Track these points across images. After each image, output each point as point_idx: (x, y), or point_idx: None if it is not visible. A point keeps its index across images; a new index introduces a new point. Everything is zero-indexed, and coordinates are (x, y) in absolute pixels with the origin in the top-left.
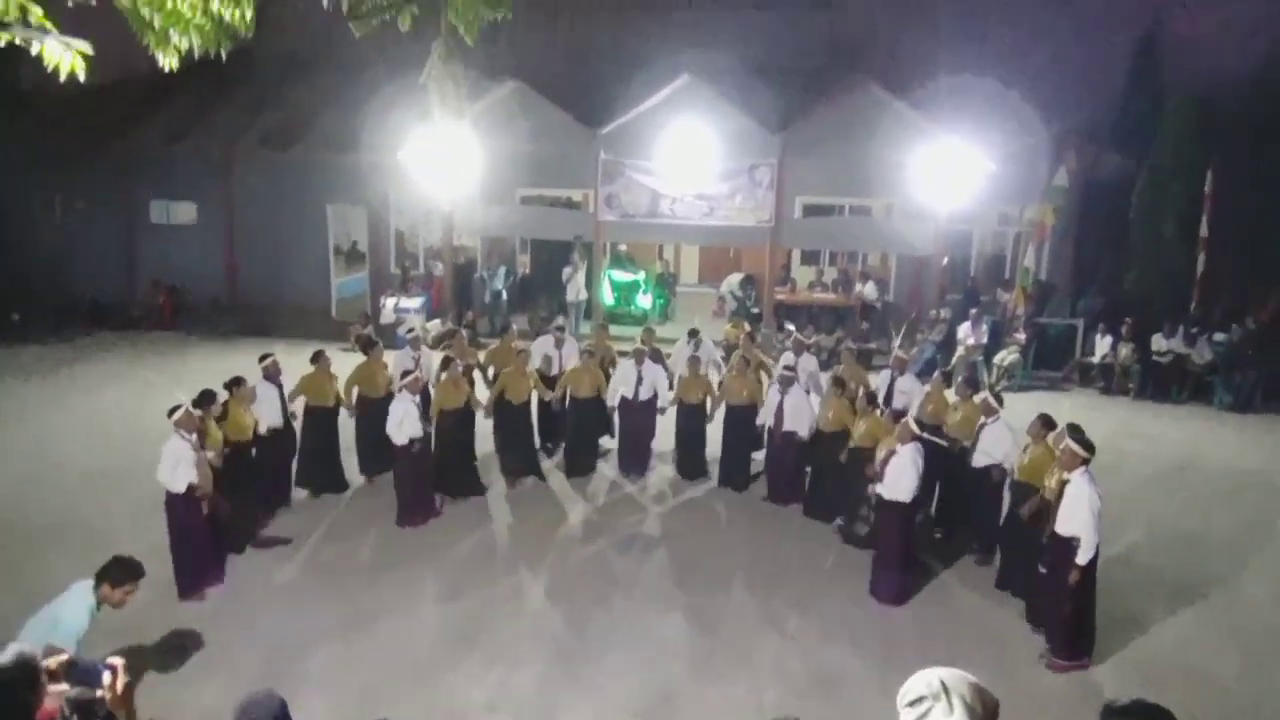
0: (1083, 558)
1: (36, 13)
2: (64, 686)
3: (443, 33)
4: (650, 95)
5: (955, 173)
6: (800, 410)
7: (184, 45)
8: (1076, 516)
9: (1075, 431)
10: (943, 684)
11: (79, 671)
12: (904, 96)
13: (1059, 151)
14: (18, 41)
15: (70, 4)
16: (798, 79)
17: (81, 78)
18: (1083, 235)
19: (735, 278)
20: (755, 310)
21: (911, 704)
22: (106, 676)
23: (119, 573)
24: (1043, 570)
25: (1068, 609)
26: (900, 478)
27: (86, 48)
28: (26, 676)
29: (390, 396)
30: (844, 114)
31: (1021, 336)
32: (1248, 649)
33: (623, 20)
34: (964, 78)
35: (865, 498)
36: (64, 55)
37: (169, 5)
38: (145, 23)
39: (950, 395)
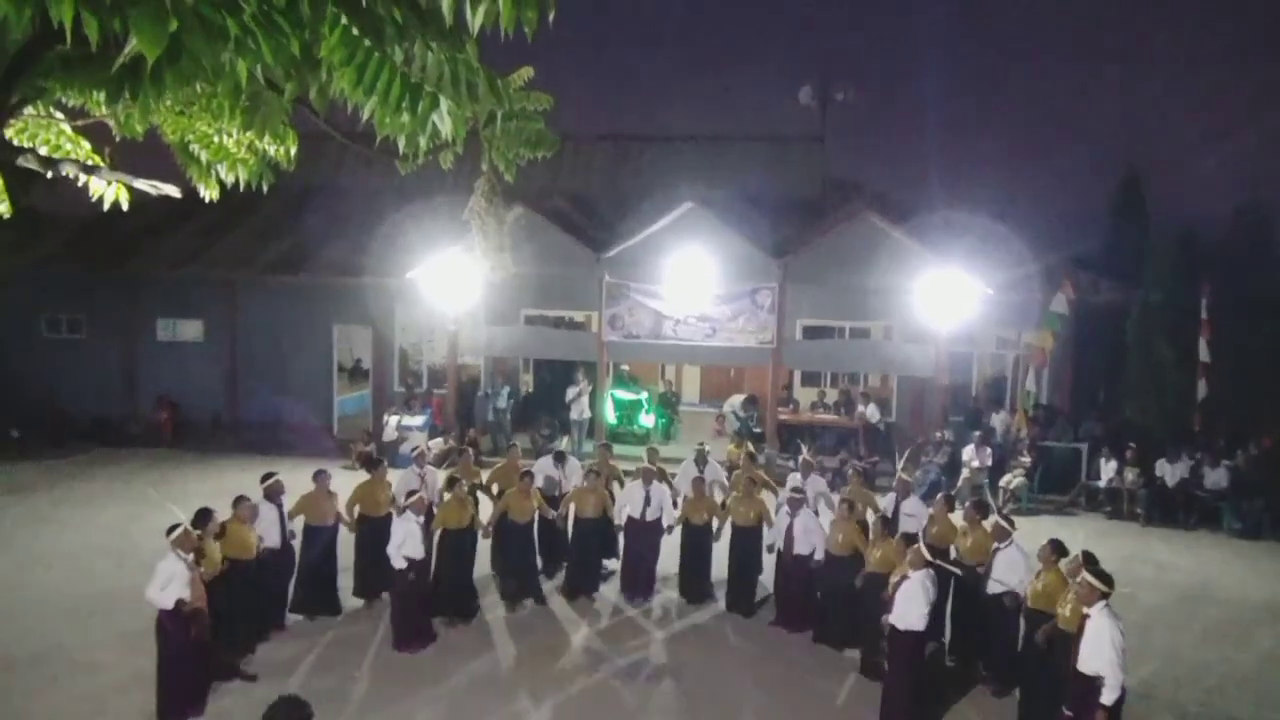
0: (1108, 697)
1: (85, 147)
2: None
3: (485, 172)
4: (653, 221)
5: (953, 297)
6: (811, 532)
7: (229, 179)
8: (1100, 654)
9: (1091, 563)
10: None
11: None
12: (899, 226)
13: (1053, 279)
14: (70, 176)
15: (117, 139)
16: (795, 208)
17: (125, 207)
18: (1081, 360)
19: (738, 398)
20: (758, 430)
21: None
22: None
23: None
24: (1068, 713)
25: None
26: (911, 605)
27: (175, 192)
28: None
29: (390, 515)
30: (842, 240)
31: (1027, 460)
32: None
33: (625, 150)
34: (956, 212)
35: (882, 627)
36: (108, 189)
37: (216, 143)
38: (192, 157)
39: (956, 519)
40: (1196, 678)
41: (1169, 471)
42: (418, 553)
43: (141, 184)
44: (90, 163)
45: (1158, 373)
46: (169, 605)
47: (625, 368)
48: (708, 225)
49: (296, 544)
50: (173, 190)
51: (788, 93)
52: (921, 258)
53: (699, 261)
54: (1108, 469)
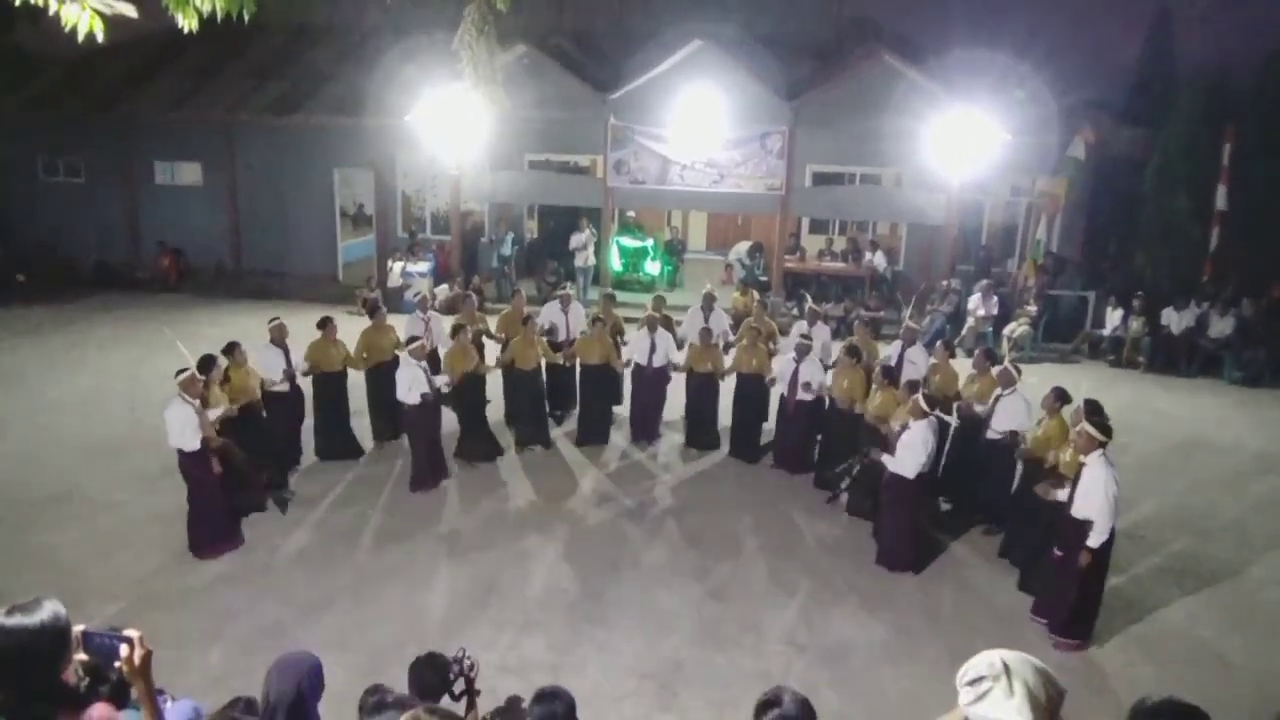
0: (1095, 541)
1: None
2: (81, 656)
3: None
4: (661, 61)
5: (968, 142)
6: (816, 376)
7: (205, 7)
8: (1092, 500)
9: (1094, 413)
10: (1005, 665)
11: (94, 642)
12: (916, 66)
13: (1073, 124)
14: (42, 4)
15: None
16: (808, 49)
17: (100, 38)
18: (1095, 208)
19: (744, 245)
20: (764, 278)
21: (971, 683)
22: (124, 649)
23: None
24: (1058, 553)
25: (1075, 592)
26: (909, 454)
27: (131, 10)
28: (57, 639)
29: (398, 359)
30: (856, 83)
31: (1033, 309)
32: (1253, 628)
33: None
34: (976, 51)
35: (868, 468)
36: (82, 16)
37: None
38: None
39: (957, 366)
40: (1185, 522)
41: (1174, 320)
42: (428, 394)
43: (94, 2)
44: None
45: (1172, 223)
46: (194, 447)
47: (631, 214)
48: (717, 65)
49: (306, 387)
50: (128, 9)
51: None
52: (938, 100)
53: (707, 103)
54: (1113, 318)
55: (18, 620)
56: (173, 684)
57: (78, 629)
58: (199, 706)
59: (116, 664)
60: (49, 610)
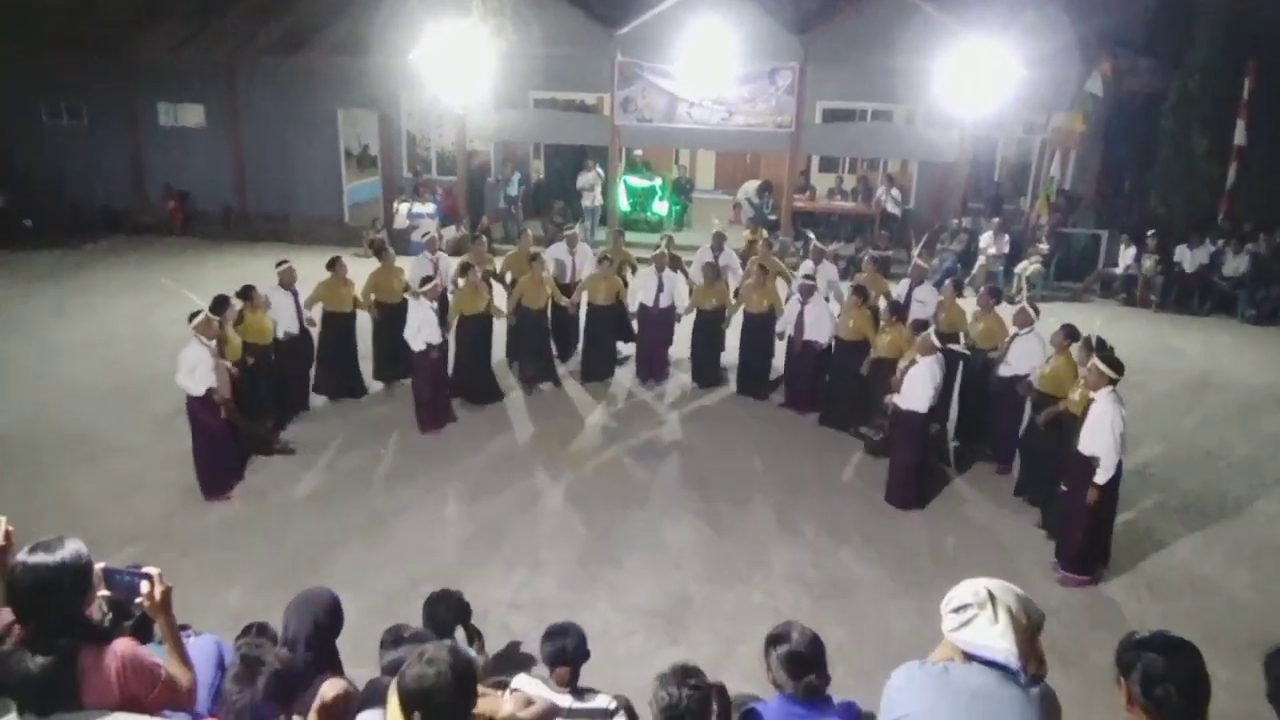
0: (1101, 477)
1: None
2: (104, 593)
3: None
4: None
5: (982, 77)
6: (821, 319)
7: None
8: (1099, 437)
9: (1104, 349)
10: (990, 593)
11: (116, 579)
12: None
13: (1090, 57)
14: None
15: None
16: None
17: None
18: (1110, 146)
19: (752, 184)
20: (772, 217)
21: (956, 610)
22: (144, 585)
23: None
24: (1064, 488)
25: (1083, 527)
26: (917, 389)
27: None
28: (80, 576)
29: (405, 301)
30: (868, 16)
31: (1045, 247)
32: (1259, 563)
33: None
34: None
35: (883, 408)
36: None
37: None
38: None
39: (966, 305)
40: (1194, 459)
41: (1188, 258)
42: (435, 336)
43: None
44: None
45: (1189, 159)
46: (200, 391)
47: (639, 153)
48: None
49: (315, 330)
50: None
51: None
52: (951, 34)
53: (716, 39)
54: (1126, 256)
55: (40, 557)
56: (192, 622)
57: (99, 566)
58: (220, 641)
59: (138, 600)
60: (71, 548)
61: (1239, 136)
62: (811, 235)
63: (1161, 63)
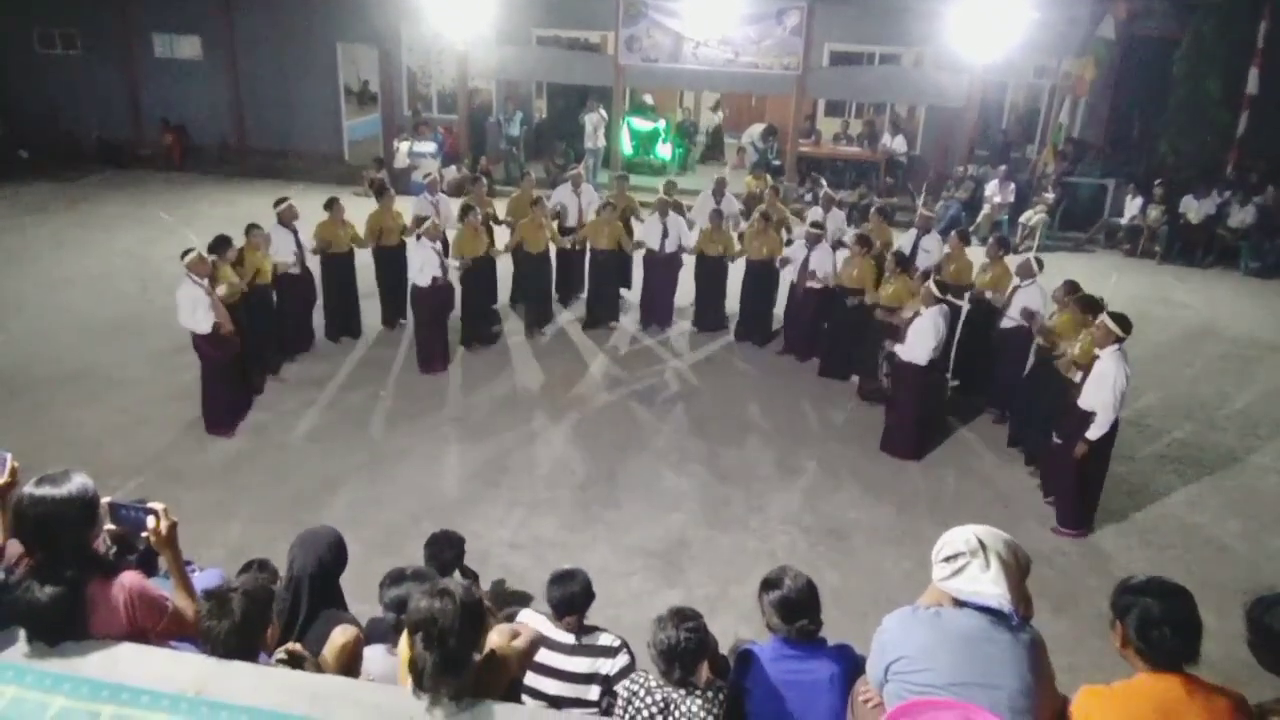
0: (1093, 433)
1: None
2: (109, 527)
3: None
4: None
5: (993, 20)
6: (824, 267)
7: None
8: (1099, 393)
9: (1073, 290)
10: (980, 541)
11: (121, 514)
12: None
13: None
14: None
15: None
16: None
17: None
18: (1121, 93)
19: (757, 128)
20: (776, 162)
21: (948, 559)
22: (150, 520)
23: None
24: (1057, 440)
25: (1073, 481)
26: (919, 340)
27: None
28: (86, 509)
29: (404, 243)
30: None
31: (1050, 196)
32: (1250, 513)
33: None
34: None
35: (886, 356)
36: None
37: None
38: None
39: (972, 254)
40: (1191, 410)
41: (1194, 208)
42: (440, 275)
43: None
44: None
45: (1201, 107)
46: (206, 329)
47: (648, 98)
48: None
49: (315, 268)
50: None
51: None
52: None
53: None
54: (1132, 205)
55: (47, 490)
56: (196, 556)
57: (105, 500)
58: (224, 575)
59: (144, 534)
60: (77, 482)
61: (1251, 84)
62: (823, 181)
63: (1176, 6)
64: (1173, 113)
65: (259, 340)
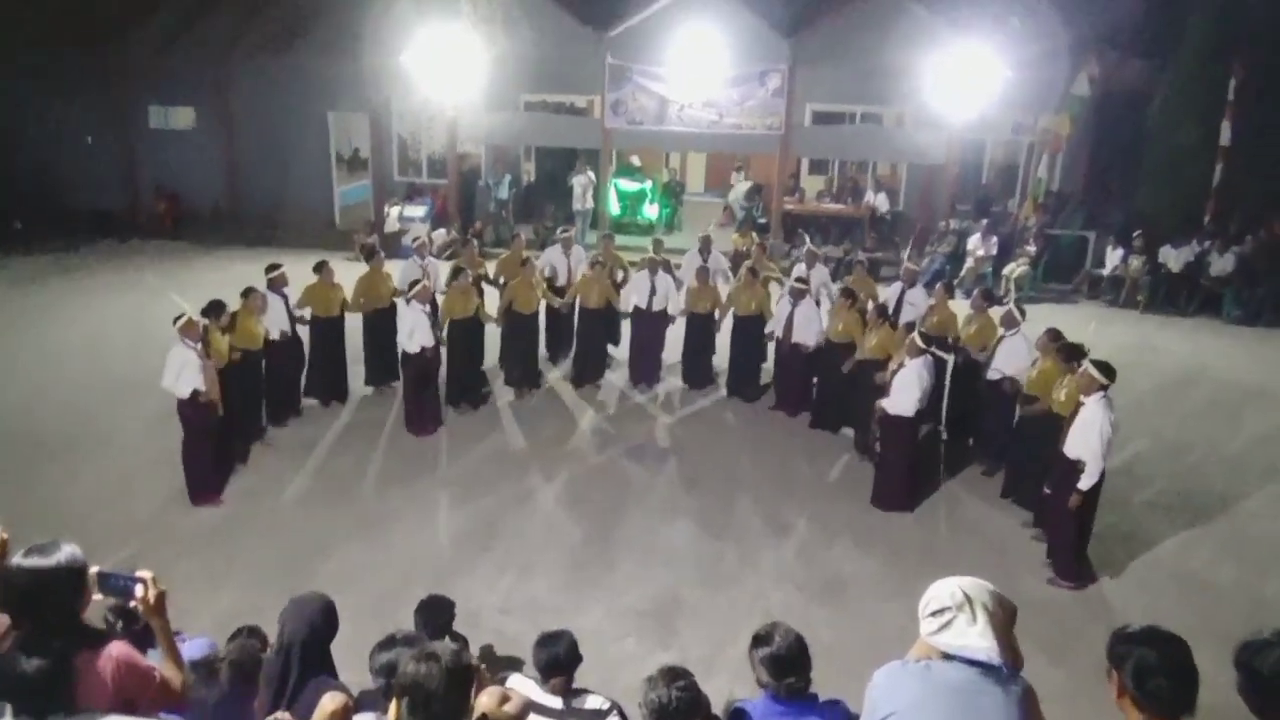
0: (1085, 483)
1: None
2: (97, 596)
3: None
4: None
5: (970, 79)
6: (809, 322)
7: None
8: (1086, 442)
9: (1080, 352)
10: (965, 594)
11: (110, 582)
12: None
13: (1078, 58)
14: None
15: None
16: None
17: None
18: (1099, 145)
19: (742, 187)
20: (762, 220)
21: (934, 614)
22: (139, 589)
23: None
24: (1047, 490)
25: (1066, 531)
26: (905, 392)
27: None
28: (74, 579)
29: (394, 306)
30: (856, 17)
31: (1032, 248)
32: (1244, 558)
33: None
34: None
35: (874, 410)
36: None
37: None
38: None
39: (956, 307)
40: (1178, 456)
41: (1173, 257)
42: (428, 340)
43: None
44: None
45: (1176, 160)
46: (185, 394)
47: (635, 160)
48: (715, 1)
49: (305, 333)
50: None
51: None
52: (939, 35)
53: (705, 40)
54: (1113, 256)
55: (35, 561)
56: (184, 625)
57: (93, 570)
58: (213, 643)
59: (132, 604)
60: (66, 552)
61: (1224, 136)
62: (807, 237)
63: (1149, 62)
64: (1149, 165)
65: (246, 405)
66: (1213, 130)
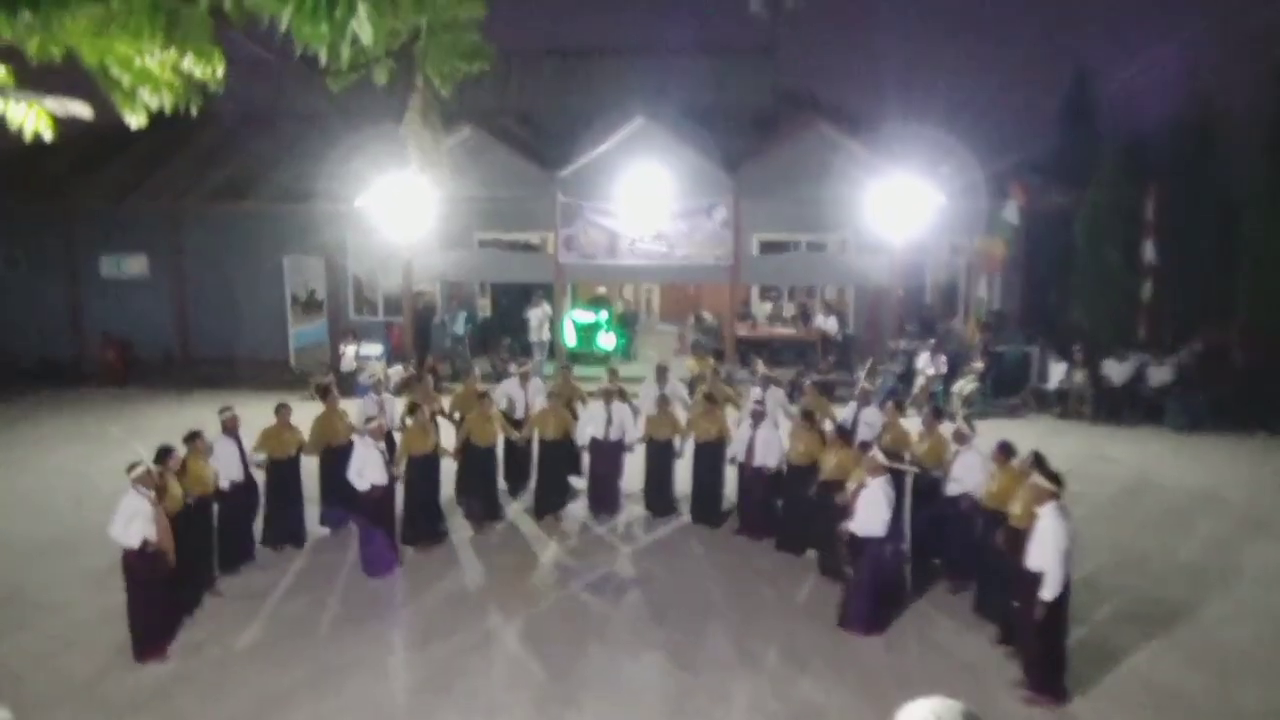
0: (1048, 594)
1: None
2: None
3: (419, 87)
4: (605, 139)
5: (906, 206)
6: (770, 444)
7: (154, 104)
8: (1044, 552)
9: (1040, 463)
10: (938, 718)
11: None
12: (851, 135)
13: (1003, 185)
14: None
15: (33, 64)
16: (747, 121)
17: (48, 137)
18: (1032, 265)
19: (692, 321)
20: (717, 348)
21: None
22: None
23: None
24: (1015, 604)
25: (1039, 645)
26: (872, 512)
27: (85, 111)
28: None
29: (352, 444)
30: (795, 152)
31: (979, 365)
32: (1212, 666)
33: (571, 66)
34: (906, 122)
35: (840, 533)
36: (28, 115)
37: (138, 64)
38: (114, 82)
39: (908, 424)
40: (1138, 565)
41: (1115, 371)
42: (380, 478)
43: (50, 103)
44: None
45: (1105, 275)
46: (134, 544)
47: (602, 289)
48: (660, 141)
49: (260, 476)
50: (82, 110)
51: (737, 1)
52: (875, 167)
53: (652, 178)
54: (1057, 371)
55: None
56: None
57: None
58: None
59: None
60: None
61: (1148, 254)
62: (760, 363)
63: (1071, 186)
64: (1078, 283)
65: (196, 554)
66: (1136, 247)
